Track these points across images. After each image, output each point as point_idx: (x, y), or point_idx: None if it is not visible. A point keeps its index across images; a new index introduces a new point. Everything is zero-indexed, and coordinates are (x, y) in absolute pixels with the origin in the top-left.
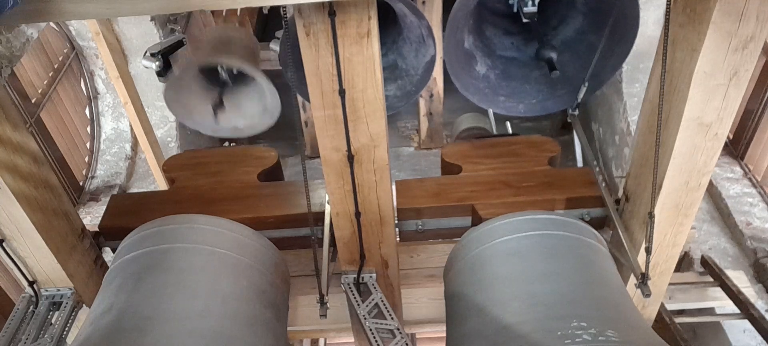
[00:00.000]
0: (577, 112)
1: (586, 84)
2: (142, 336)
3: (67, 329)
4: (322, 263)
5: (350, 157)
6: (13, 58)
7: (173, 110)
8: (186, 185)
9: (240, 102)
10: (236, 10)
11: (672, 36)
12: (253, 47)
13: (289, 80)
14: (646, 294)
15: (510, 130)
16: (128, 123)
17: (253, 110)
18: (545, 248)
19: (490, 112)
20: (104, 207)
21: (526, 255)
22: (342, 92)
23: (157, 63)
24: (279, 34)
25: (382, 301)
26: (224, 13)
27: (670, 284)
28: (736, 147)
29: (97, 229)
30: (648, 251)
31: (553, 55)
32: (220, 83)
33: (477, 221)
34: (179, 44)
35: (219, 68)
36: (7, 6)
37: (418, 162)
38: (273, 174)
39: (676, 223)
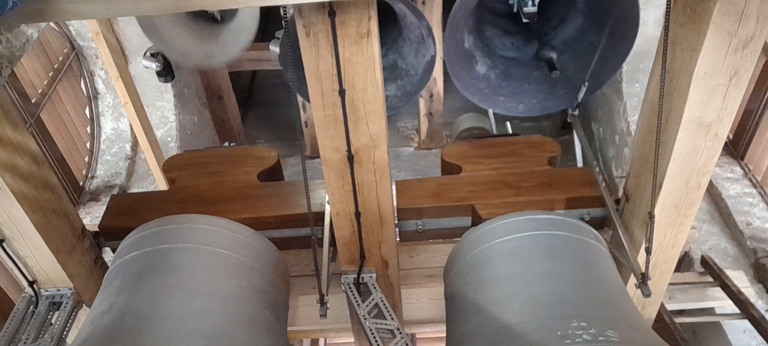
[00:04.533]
0: (577, 112)
1: (586, 84)
2: (142, 336)
3: (67, 329)
4: (322, 263)
5: (350, 157)
6: (13, 58)
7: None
8: (186, 184)
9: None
10: None
11: (672, 36)
12: None
13: (289, 80)
14: (646, 294)
15: (510, 130)
16: (128, 123)
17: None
18: (545, 248)
19: (490, 112)
20: (104, 207)
21: (526, 255)
22: (342, 92)
23: (157, 63)
24: (279, 34)
25: (382, 301)
26: None
27: (670, 284)
28: (736, 147)
29: (97, 229)
30: (648, 251)
31: (553, 55)
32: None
33: (477, 221)
34: None
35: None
36: (6, 7)
37: (418, 162)
38: (273, 174)
39: (676, 223)
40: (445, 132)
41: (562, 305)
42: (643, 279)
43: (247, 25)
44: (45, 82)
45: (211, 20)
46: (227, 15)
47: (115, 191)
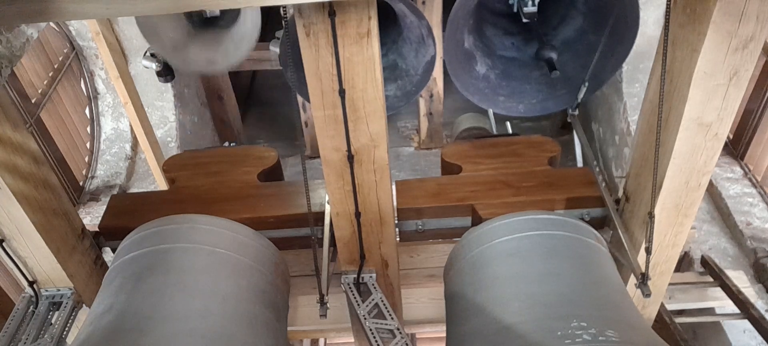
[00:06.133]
0: (577, 112)
1: (586, 84)
2: (142, 336)
3: (67, 329)
4: (322, 263)
5: (350, 157)
6: (13, 58)
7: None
8: (186, 184)
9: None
10: None
11: (672, 36)
12: None
13: (289, 80)
14: (646, 294)
15: (510, 130)
16: (128, 123)
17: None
18: (545, 248)
19: (490, 112)
20: (104, 207)
21: (526, 255)
22: (342, 92)
23: (157, 63)
24: (279, 34)
25: (382, 301)
26: None
27: (670, 284)
28: (736, 147)
29: (97, 229)
30: (648, 251)
31: (553, 55)
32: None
33: (477, 221)
34: None
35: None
36: None
37: (418, 162)
38: (273, 174)
39: (676, 223)
40: (445, 132)
41: (562, 305)
42: (643, 279)
43: (248, 31)
44: (45, 82)
45: (213, 26)
46: (229, 21)
47: (115, 191)
